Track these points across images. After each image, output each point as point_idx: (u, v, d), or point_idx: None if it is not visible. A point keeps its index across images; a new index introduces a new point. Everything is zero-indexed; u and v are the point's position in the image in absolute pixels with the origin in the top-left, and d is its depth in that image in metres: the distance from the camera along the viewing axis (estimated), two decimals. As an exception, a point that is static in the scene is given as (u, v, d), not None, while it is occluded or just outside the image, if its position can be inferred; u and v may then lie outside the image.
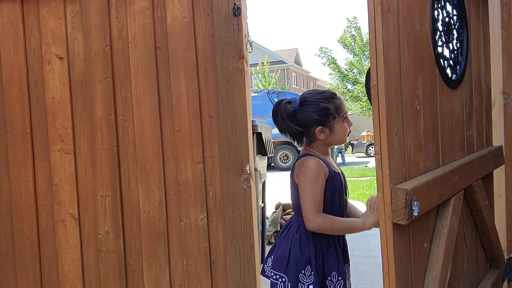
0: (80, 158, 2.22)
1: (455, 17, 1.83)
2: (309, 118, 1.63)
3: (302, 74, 39.40)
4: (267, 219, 4.42)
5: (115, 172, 2.18)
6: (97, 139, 2.19)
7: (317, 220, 1.56)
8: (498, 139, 2.34)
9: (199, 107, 2.07)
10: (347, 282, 1.70)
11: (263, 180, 3.56)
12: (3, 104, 2.26)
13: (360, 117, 19.90)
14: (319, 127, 1.62)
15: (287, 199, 5.84)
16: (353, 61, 20.79)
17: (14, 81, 2.25)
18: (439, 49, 1.67)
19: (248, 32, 2.12)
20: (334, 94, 1.67)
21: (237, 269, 1.99)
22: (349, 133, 1.67)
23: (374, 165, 1.30)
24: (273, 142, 4.06)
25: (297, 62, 38.15)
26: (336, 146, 14.58)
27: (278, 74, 28.63)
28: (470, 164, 1.79)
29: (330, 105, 1.62)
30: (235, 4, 2.00)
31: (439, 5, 1.68)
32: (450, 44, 1.78)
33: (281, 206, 4.63)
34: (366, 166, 13.75)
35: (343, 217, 1.68)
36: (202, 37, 2.07)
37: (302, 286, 1.58)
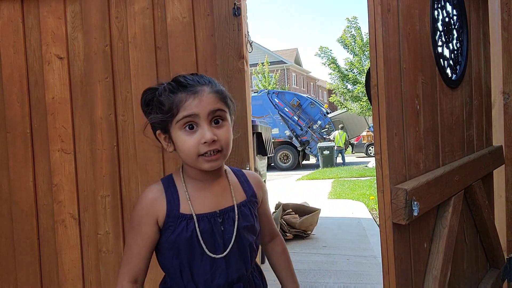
0: (80, 158, 2.22)
1: (455, 17, 1.83)
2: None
3: (302, 74, 39.41)
4: (267, 219, 4.41)
5: (115, 172, 2.18)
6: (97, 139, 2.19)
7: (118, 285, 1.07)
8: (498, 139, 2.34)
9: (199, 107, 2.07)
10: None
11: (263, 180, 3.55)
12: (3, 104, 2.26)
13: (360, 117, 19.91)
14: (158, 131, 1.09)
15: (287, 199, 5.85)
16: (353, 61, 20.79)
17: (14, 81, 2.25)
18: (439, 49, 1.67)
19: (248, 32, 2.13)
20: (191, 81, 1.05)
21: (237, 269, 1.99)
22: (204, 154, 1.02)
23: (374, 165, 1.30)
24: (273, 142, 4.06)
25: (297, 62, 38.15)
26: (335, 146, 14.59)
27: (278, 74, 28.64)
28: (470, 164, 1.79)
29: (168, 97, 1.04)
30: (235, 4, 2.00)
31: (439, 5, 1.68)
32: (450, 44, 1.78)
33: (281, 206, 4.63)
34: (366, 166, 13.75)
35: None
36: (202, 37, 2.07)
37: None
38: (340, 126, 15.45)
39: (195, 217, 1.05)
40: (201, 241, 1.05)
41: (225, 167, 1.15)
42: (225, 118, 1.05)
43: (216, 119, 1.03)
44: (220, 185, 1.12)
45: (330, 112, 16.95)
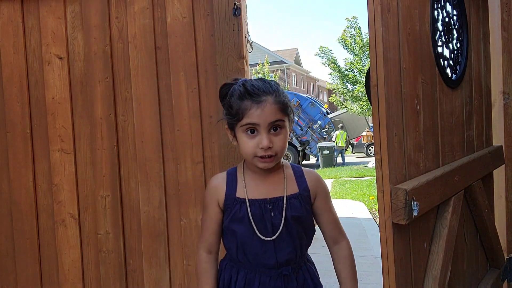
0: (80, 158, 2.22)
1: (455, 17, 1.83)
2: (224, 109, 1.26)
3: (302, 74, 39.40)
4: (267, 219, 4.41)
5: (115, 172, 2.18)
6: (97, 139, 2.19)
7: (197, 254, 1.31)
8: (498, 139, 2.34)
9: (199, 107, 2.07)
10: None
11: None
12: (3, 104, 2.26)
13: (360, 117, 19.91)
14: (226, 127, 1.26)
15: (287, 199, 5.84)
16: (353, 61, 20.80)
17: (14, 81, 2.25)
18: (439, 49, 1.67)
19: (248, 32, 2.13)
20: (257, 90, 1.17)
21: (237, 269, 1.99)
22: (261, 156, 1.17)
23: (374, 165, 1.30)
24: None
25: (297, 62, 38.15)
26: (336, 146, 14.59)
27: (278, 74, 28.65)
28: (470, 164, 1.79)
29: (236, 102, 1.18)
30: (235, 4, 2.00)
31: (439, 5, 1.68)
32: (450, 44, 1.78)
33: (281, 206, 4.62)
34: (366, 166, 13.75)
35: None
36: (202, 37, 2.07)
37: None
38: (340, 125, 15.45)
39: (247, 201, 1.21)
40: (253, 223, 1.20)
41: (284, 162, 1.29)
42: (283, 127, 1.18)
43: (275, 127, 1.16)
44: (275, 177, 1.25)
45: (331, 112, 16.95)
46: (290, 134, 1.23)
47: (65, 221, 2.24)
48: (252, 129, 1.16)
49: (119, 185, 2.18)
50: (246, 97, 1.15)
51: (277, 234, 1.20)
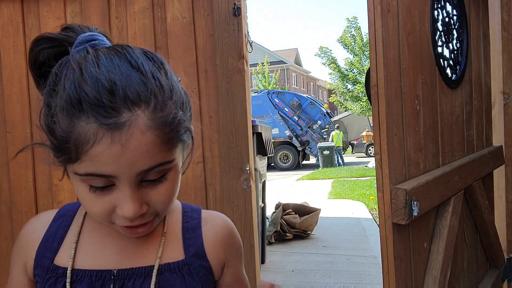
0: (80, 158, 2.22)
1: (455, 17, 1.83)
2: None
3: (302, 74, 39.40)
4: (267, 219, 4.43)
5: (115, 172, 2.18)
6: (97, 139, 2.19)
7: None
8: (498, 139, 2.34)
9: (199, 107, 2.07)
10: None
11: (263, 180, 3.56)
12: (3, 104, 2.26)
13: (363, 117, 19.91)
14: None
15: (287, 199, 5.85)
16: (353, 61, 20.81)
17: (14, 81, 2.25)
18: (439, 49, 1.67)
19: (248, 32, 2.13)
20: (109, 96, 0.53)
21: (237, 269, 1.99)
22: (125, 226, 0.62)
23: (374, 165, 1.30)
24: (273, 142, 4.06)
25: (297, 62, 38.15)
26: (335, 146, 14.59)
27: (278, 74, 28.65)
28: (470, 164, 1.79)
29: (63, 117, 0.57)
30: (235, 4, 2.00)
31: (439, 5, 1.68)
32: (450, 44, 1.78)
33: (281, 206, 4.63)
34: (366, 166, 13.75)
35: None
36: (202, 37, 2.07)
37: None
38: (336, 126, 15.45)
39: (69, 274, 0.65)
40: None
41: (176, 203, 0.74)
42: (171, 169, 0.60)
43: (152, 180, 0.59)
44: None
45: (331, 113, 16.97)
46: (188, 156, 0.66)
47: (65, 221, 2.24)
48: (100, 186, 0.58)
49: (119, 185, 2.18)
50: (83, 112, 0.54)
51: None
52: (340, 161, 15.30)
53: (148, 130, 0.55)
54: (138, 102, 0.54)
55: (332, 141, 14.79)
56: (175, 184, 0.62)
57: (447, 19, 1.74)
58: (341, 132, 15.50)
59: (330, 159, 14.24)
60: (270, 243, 4.37)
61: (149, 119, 0.55)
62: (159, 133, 0.56)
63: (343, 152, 15.55)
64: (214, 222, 0.73)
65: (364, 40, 20.31)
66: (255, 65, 26.51)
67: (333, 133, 15.07)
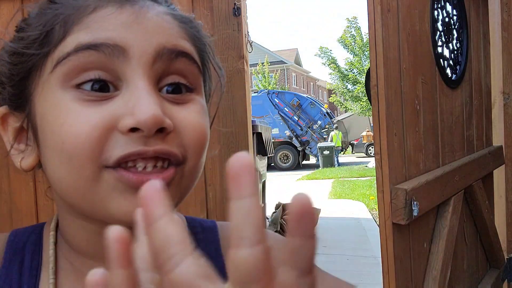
0: (80, 158, 2.22)
1: (455, 17, 1.83)
2: None
3: (302, 74, 39.42)
4: (267, 219, 4.43)
5: (115, 172, 2.18)
6: (97, 139, 2.19)
7: None
8: (498, 139, 2.34)
9: (199, 107, 2.07)
10: None
11: (263, 180, 3.56)
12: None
13: (360, 117, 19.92)
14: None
15: (287, 199, 5.85)
16: (353, 61, 20.83)
17: (14, 81, 2.25)
18: (439, 49, 1.67)
19: (248, 32, 2.13)
20: None
21: (237, 269, 1.99)
22: (130, 155, 0.37)
23: (374, 165, 1.30)
24: (273, 142, 4.07)
25: (297, 62, 38.16)
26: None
27: (278, 74, 28.68)
28: (470, 164, 1.79)
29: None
30: (235, 4, 2.01)
31: (439, 5, 1.68)
32: (450, 44, 1.78)
33: (281, 206, 4.63)
34: (366, 166, 13.76)
35: None
36: (202, 37, 2.08)
37: None
38: (334, 126, 15.47)
39: None
40: None
41: (179, 216, 0.43)
42: (196, 87, 0.43)
43: (174, 82, 0.41)
44: None
45: (331, 113, 16.99)
46: (213, 119, 0.54)
47: (65, 221, 2.24)
48: (99, 80, 0.38)
49: (119, 185, 2.18)
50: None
51: None
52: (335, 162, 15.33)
53: (168, 14, 0.41)
54: None
55: (331, 141, 14.81)
56: (202, 117, 0.42)
57: (447, 19, 1.74)
58: (340, 132, 15.53)
59: (330, 159, 14.25)
60: (270, 243, 4.35)
61: (167, 8, 0.42)
62: (178, 22, 0.42)
63: (342, 152, 15.57)
64: None
65: (364, 40, 20.33)
66: (255, 65, 26.52)
67: (332, 133, 15.09)
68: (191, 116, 0.40)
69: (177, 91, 0.40)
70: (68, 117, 0.37)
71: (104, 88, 0.38)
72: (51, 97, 0.38)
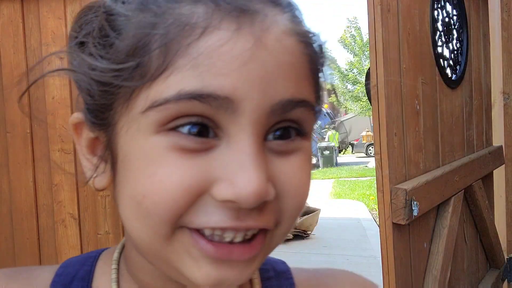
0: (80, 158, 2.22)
1: (455, 17, 1.83)
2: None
3: (302, 74, 39.42)
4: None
5: (115, 172, 2.18)
6: (97, 139, 2.19)
7: None
8: (498, 139, 2.34)
9: (199, 107, 2.07)
10: None
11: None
12: (3, 104, 2.26)
13: (360, 117, 19.93)
14: (80, 118, 0.40)
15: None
16: (353, 61, 20.82)
17: (14, 81, 2.25)
18: (439, 49, 1.67)
19: (248, 32, 2.13)
20: None
21: (237, 269, 1.99)
22: (216, 229, 0.31)
23: (374, 165, 1.30)
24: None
25: (297, 62, 38.17)
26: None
27: (278, 74, 28.65)
28: (470, 164, 1.79)
29: (136, 12, 0.32)
30: (235, 4, 2.01)
31: (439, 5, 1.68)
32: (450, 44, 1.78)
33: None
34: (366, 166, 13.76)
35: None
36: (202, 37, 2.08)
37: None
38: (332, 126, 15.52)
39: None
40: None
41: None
42: (308, 132, 0.35)
43: (285, 127, 0.33)
44: None
45: (331, 113, 16.97)
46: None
47: (65, 221, 2.24)
48: (201, 123, 0.31)
49: (119, 185, 2.18)
50: None
51: None
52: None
53: (292, 34, 0.32)
54: (277, 1, 0.33)
55: (328, 141, 14.87)
56: (309, 173, 0.35)
57: (447, 19, 1.74)
58: (337, 132, 15.60)
59: (330, 159, 14.25)
60: (270, 243, 4.36)
61: (292, 22, 0.33)
62: (306, 47, 0.34)
63: (342, 152, 15.60)
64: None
65: (364, 40, 20.32)
66: (255, 65, 26.52)
67: (329, 133, 15.13)
68: (297, 177, 0.33)
69: (285, 136, 0.33)
70: (160, 168, 0.31)
71: (202, 132, 0.31)
72: (141, 140, 0.32)
